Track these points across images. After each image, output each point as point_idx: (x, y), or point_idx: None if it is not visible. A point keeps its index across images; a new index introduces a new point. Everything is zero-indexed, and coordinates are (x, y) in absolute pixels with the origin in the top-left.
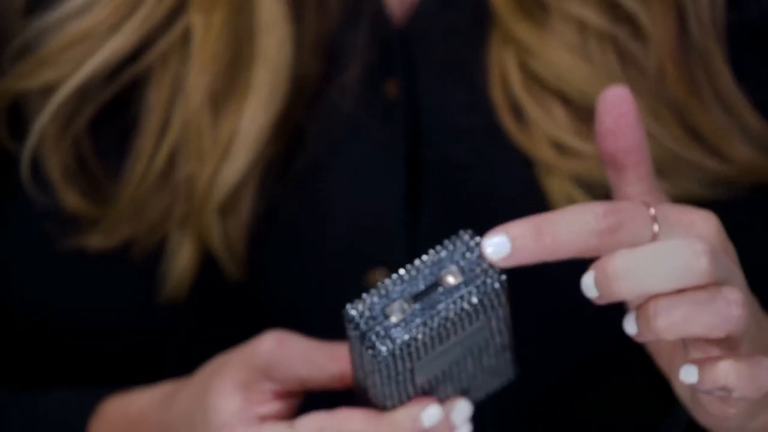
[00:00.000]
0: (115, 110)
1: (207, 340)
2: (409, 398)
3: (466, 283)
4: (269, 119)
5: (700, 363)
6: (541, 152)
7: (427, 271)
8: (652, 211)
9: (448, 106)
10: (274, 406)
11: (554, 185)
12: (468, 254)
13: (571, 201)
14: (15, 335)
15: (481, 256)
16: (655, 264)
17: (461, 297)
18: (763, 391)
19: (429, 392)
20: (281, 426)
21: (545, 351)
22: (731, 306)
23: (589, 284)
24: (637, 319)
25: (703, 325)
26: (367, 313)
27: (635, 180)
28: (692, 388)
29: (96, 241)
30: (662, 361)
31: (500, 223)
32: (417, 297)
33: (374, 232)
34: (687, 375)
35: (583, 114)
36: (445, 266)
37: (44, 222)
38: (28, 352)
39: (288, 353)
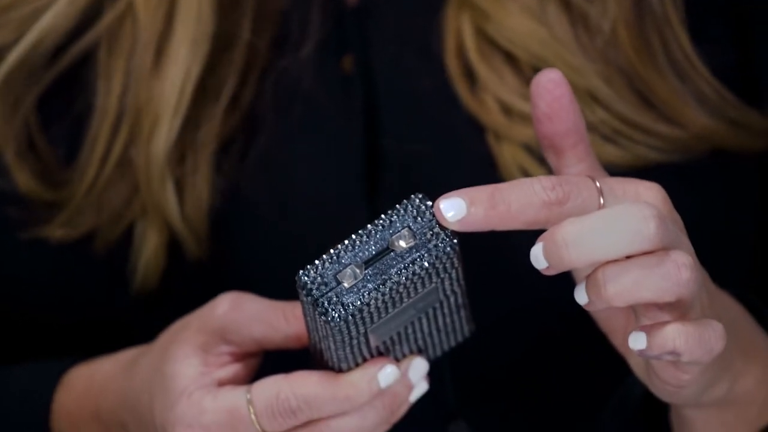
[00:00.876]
0: (61, 95)
1: (173, 319)
2: (365, 360)
3: (417, 247)
4: (190, 78)
5: (648, 329)
6: (492, 117)
7: (378, 235)
8: (598, 183)
9: (403, 77)
10: (232, 369)
11: (505, 152)
12: (419, 218)
13: (522, 169)
14: None
15: (432, 220)
16: (604, 229)
17: (413, 261)
18: (713, 354)
19: (385, 353)
20: (238, 391)
21: (503, 315)
22: (681, 269)
23: (538, 255)
24: (587, 287)
25: (654, 290)
26: (318, 279)
27: (575, 161)
28: (641, 355)
29: (59, 232)
30: (616, 339)
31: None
32: (368, 262)
33: (335, 210)
34: (635, 342)
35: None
36: (397, 230)
37: (4, 209)
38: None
39: (243, 315)
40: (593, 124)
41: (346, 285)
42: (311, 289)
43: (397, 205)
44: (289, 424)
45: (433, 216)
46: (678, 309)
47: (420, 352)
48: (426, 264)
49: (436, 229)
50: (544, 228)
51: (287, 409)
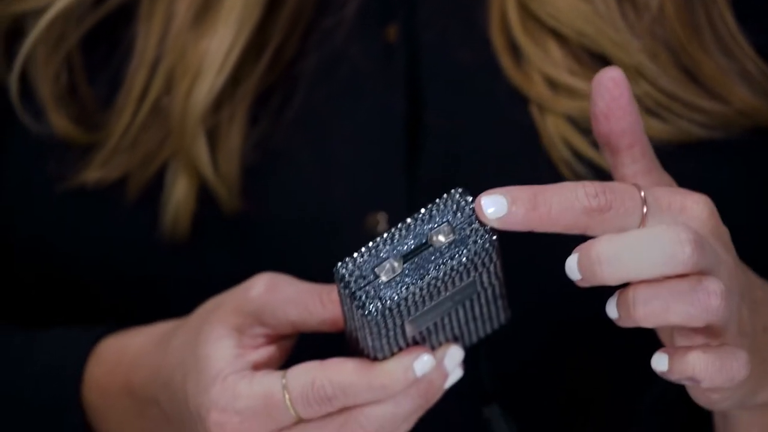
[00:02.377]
0: (106, 39)
1: (206, 275)
2: (401, 349)
3: (456, 243)
4: (240, 40)
5: (672, 352)
6: (536, 89)
7: (417, 229)
8: (643, 193)
9: (447, 49)
10: (267, 351)
11: (549, 124)
12: (459, 213)
13: (565, 141)
14: (14, 272)
15: (472, 216)
16: (639, 251)
17: (451, 257)
18: (735, 382)
19: (420, 342)
20: (274, 377)
21: (539, 302)
22: (711, 297)
23: (572, 267)
24: (618, 304)
25: (682, 315)
26: (357, 272)
27: (630, 161)
28: (663, 376)
29: (94, 175)
30: (663, 335)
31: (497, 167)
32: (407, 256)
33: (373, 175)
34: (658, 363)
35: (580, 53)
36: (436, 225)
37: (41, 155)
38: (27, 289)
39: (279, 297)
40: (637, 97)
41: (384, 279)
42: (349, 282)
43: (437, 200)
44: (323, 411)
45: (473, 212)
46: (710, 332)
47: (456, 340)
48: (464, 260)
49: (476, 225)
50: (584, 234)
51: (323, 397)
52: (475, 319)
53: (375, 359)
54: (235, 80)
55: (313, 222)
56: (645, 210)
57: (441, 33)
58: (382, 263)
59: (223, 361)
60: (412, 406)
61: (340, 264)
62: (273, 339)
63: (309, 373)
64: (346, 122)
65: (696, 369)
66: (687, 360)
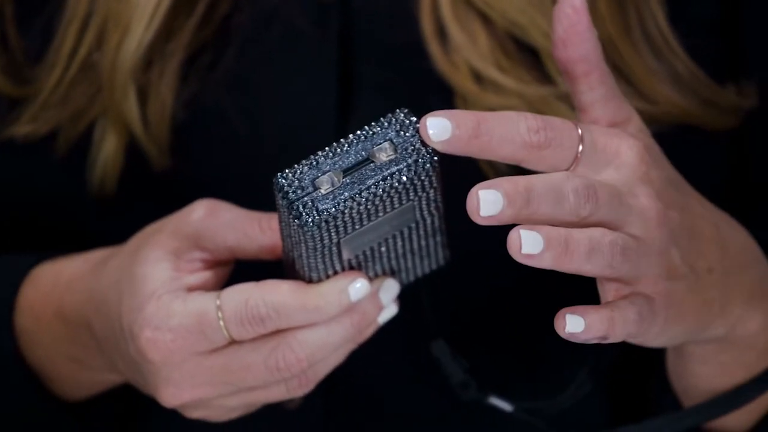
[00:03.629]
0: None
1: (133, 230)
2: (336, 273)
3: (397, 161)
4: None
5: (569, 312)
6: (462, 83)
7: (359, 145)
8: (581, 131)
9: (379, 20)
10: (203, 276)
11: None
12: (402, 132)
13: None
14: None
15: (415, 136)
16: (533, 194)
17: (391, 174)
18: (633, 338)
19: (357, 269)
20: (208, 296)
21: (479, 246)
22: (609, 248)
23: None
24: (509, 243)
25: (575, 266)
26: (296, 183)
27: (587, 89)
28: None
29: (24, 129)
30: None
31: None
32: (347, 171)
33: (306, 131)
34: (561, 327)
35: (509, 45)
36: (378, 142)
37: None
38: None
39: (218, 222)
40: (565, 94)
41: (322, 191)
42: (287, 192)
43: (381, 118)
44: (256, 332)
45: (416, 132)
46: (621, 282)
47: (393, 274)
48: (404, 178)
49: (418, 145)
50: (518, 164)
51: (255, 316)
52: (413, 252)
53: (310, 281)
54: (165, 36)
55: (241, 180)
56: (580, 149)
57: (374, 7)
58: (322, 176)
59: (158, 282)
60: (344, 336)
61: (279, 175)
62: (210, 264)
63: (243, 293)
64: (278, 83)
65: (588, 331)
66: (571, 322)
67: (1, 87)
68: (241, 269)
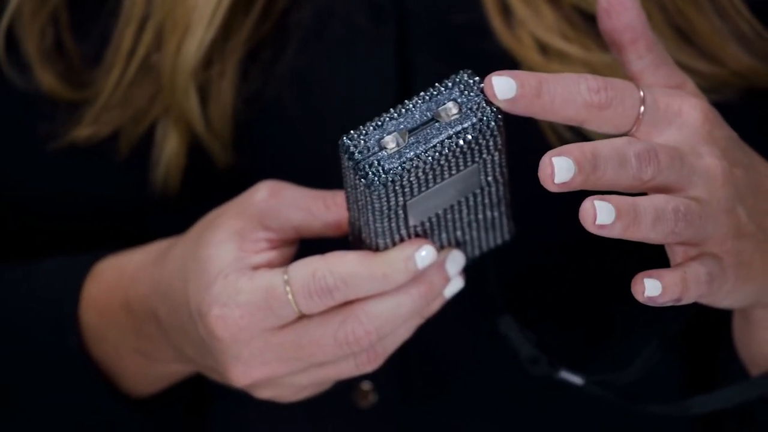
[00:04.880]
0: None
1: None
2: (403, 241)
3: (462, 120)
4: None
5: (647, 276)
6: (527, 53)
7: (424, 106)
8: (642, 93)
9: (437, 9)
10: (268, 255)
11: None
12: (467, 92)
13: None
14: (6, 226)
15: (479, 96)
16: (599, 160)
17: (457, 133)
18: (706, 293)
19: (423, 237)
20: (275, 272)
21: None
22: (661, 218)
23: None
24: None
25: (640, 234)
26: (362, 144)
27: (635, 58)
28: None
29: (85, 131)
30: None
31: None
32: (412, 131)
33: None
34: (639, 291)
35: (573, 16)
36: (443, 103)
37: (30, 112)
38: (20, 243)
39: (282, 201)
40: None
41: (388, 151)
42: (353, 153)
43: (445, 80)
44: (325, 304)
45: (481, 92)
46: (688, 244)
47: (458, 245)
48: (469, 137)
49: (483, 104)
50: (581, 125)
51: (324, 288)
52: (478, 223)
53: (377, 250)
54: (225, 34)
55: (303, 174)
56: (642, 110)
57: None
58: (387, 136)
59: (224, 262)
60: (411, 307)
61: (345, 137)
62: (275, 244)
63: (310, 265)
64: (337, 79)
65: (665, 294)
66: (652, 286)
67: (60, 93)
68: (306, 248)
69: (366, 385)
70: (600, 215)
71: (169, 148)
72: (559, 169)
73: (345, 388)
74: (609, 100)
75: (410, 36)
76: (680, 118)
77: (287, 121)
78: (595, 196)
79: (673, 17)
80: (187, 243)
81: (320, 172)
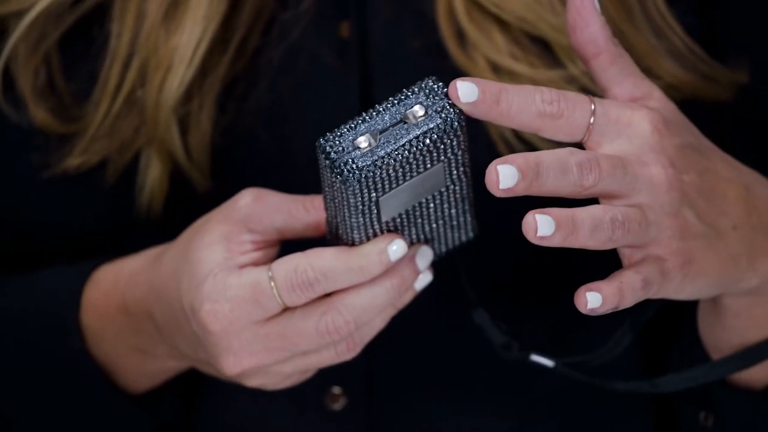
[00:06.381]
0: (81, 37)
1: None
2: (376, 236)
3: (428, 121)
4: (207, 35)
5: (588, 289)
6: (480, 73)
7: (393, 109)
8: (593, 106)
9: (396, 37)
10: (254, 255)
11: None
12: (432, 96)
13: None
14: (7, 248)
15: (444, 99)
16: (541, 169)
17: (423, 133)
18: (649, 297)
19: (395, 232)
20: (260, 269)
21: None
22: (611, 224)
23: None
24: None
25: (581, 242)
26: (337, 144)
27: (599, 70)
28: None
29: (75, 161)
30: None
31: None
32: (383, 131)
33: None
34: (582, 304)
35: (521, 38)
36: (410, 106)
37: (24, 144)
38: (11, 263)
39: (265, 205)
40: (575, 76)
41: (361, 150)
42: (329, 152)
43: (412, 86)
44: (307, 297)
45: (445, 96)
46: (637, 247)
47: (427, 242)
48: (435, 136)
49: (447, 107)
50: (535, 132)
51: (305, 281)
52: (444, 220)
53: (353, 245)
54: (203, 72)
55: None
56: (592, 120)
57: (391, 24)
58: (359, 137)
59: (213, 263)
60: (386, 298)
61: (322, 139)
62: (259, 245)
63: (292, 261)
64: (306, 111)
65: (604, 305)
66: (593, 298)
67: (52, 126)
68: (288, 249)
69: (336, 389)
70: (541, 228)
71: (153, 175)
72: (503, 176)
73: (317, 391)
74: (561, 111)
75: (372, 65)
76: (630, 128)
77: (260, 151)
78: (537, 210)
79: (615, 37)
80: (178, 247)
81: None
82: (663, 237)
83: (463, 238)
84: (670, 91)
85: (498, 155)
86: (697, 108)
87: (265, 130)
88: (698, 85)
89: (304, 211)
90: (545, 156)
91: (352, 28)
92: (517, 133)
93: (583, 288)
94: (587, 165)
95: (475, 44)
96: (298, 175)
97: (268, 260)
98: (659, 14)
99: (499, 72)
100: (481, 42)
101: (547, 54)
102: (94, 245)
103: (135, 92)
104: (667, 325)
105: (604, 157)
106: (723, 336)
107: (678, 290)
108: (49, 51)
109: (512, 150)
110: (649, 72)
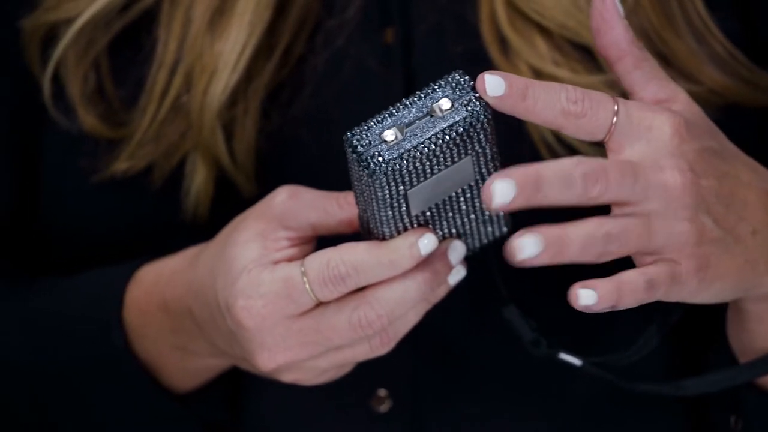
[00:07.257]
0: (129, 44)
1: None
2: (406, 230)
3: (454, 114)
4: (252, 41)
5: (582, 286)
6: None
7: (420, 103)
8: (617, 107)
9: (439, 44)
10: (289, 252)
11: None
12: (458, 90)
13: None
14: (50, 255)
15: (470, 93)
16: (543, 181)
17: (450, 126)
18: (644, 299)
19: (425, 226)
20: (293, 264)
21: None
22: (612, 237)
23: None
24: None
25: (591, 256)
26: (364, 138)
27: (624, 73)
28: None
29: (123, 166)
30: None
31: None
32: (410, 125)
33: None
34: (574, 300)
35: (563, 44)
36: (437, 99)
37: (73, 149)
38: (62, 269)
39: (300, 202)
40: (616, 81)
41: (388, 143)
42: (356, 146)
43: (438, 80)
44: (339, 291)
45: (471, 89)
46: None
47: (459, 237)
48: (461, 129)
49: (473, 100)
50: (558, 130)
51: (337, 276)
52: (476, 215)
53: (383, 239)
54: (248, 78)
55: None
56: (615, 121)
57: (434, 31)
58: (387, 130)
59: (248, 259)
60: (418, 293)
61: (349, 133)
62: (295, 242)
63: (324, 255)
64: (349, 117)
65: (592, 305)
66: (586, 295)
67: (101, 132)
68: (323, 246)
69: (382, 392)
70: (527, 250)
71: (198, 179)
72: (500, 191)
73: (363, 394)
74: (584, 110)
75: (416, 71)
76: (650, 132)
77: (304, 156)
78: (523, 232)
79: (654, 42)
80: (215, 246)
81: None
82: (674, 243)
83: (497, 233)
84: (712, 96)
85: (540, 158)
86: (739, 113)
87: (309, 136)
88: (740, 91)
89: (337, 207)
90: (547, 169)
91: (396, 35)
92: (557, 136)
93: (577, 284)
94: (593, 176)
95: (518, 51)
96: (342, 179)
97: (303, 257)
98: (700, 20)
99: (541, 77)
100: (523, 49)
101: (589, 59)
102: (141, 248)
103: (181, 98)
104: (699, 328)
105: (614, 166)
106: (747, 340)
107: (694, 294)
108: (98, 57)
109: (553, 152)
110: (690, 78)
